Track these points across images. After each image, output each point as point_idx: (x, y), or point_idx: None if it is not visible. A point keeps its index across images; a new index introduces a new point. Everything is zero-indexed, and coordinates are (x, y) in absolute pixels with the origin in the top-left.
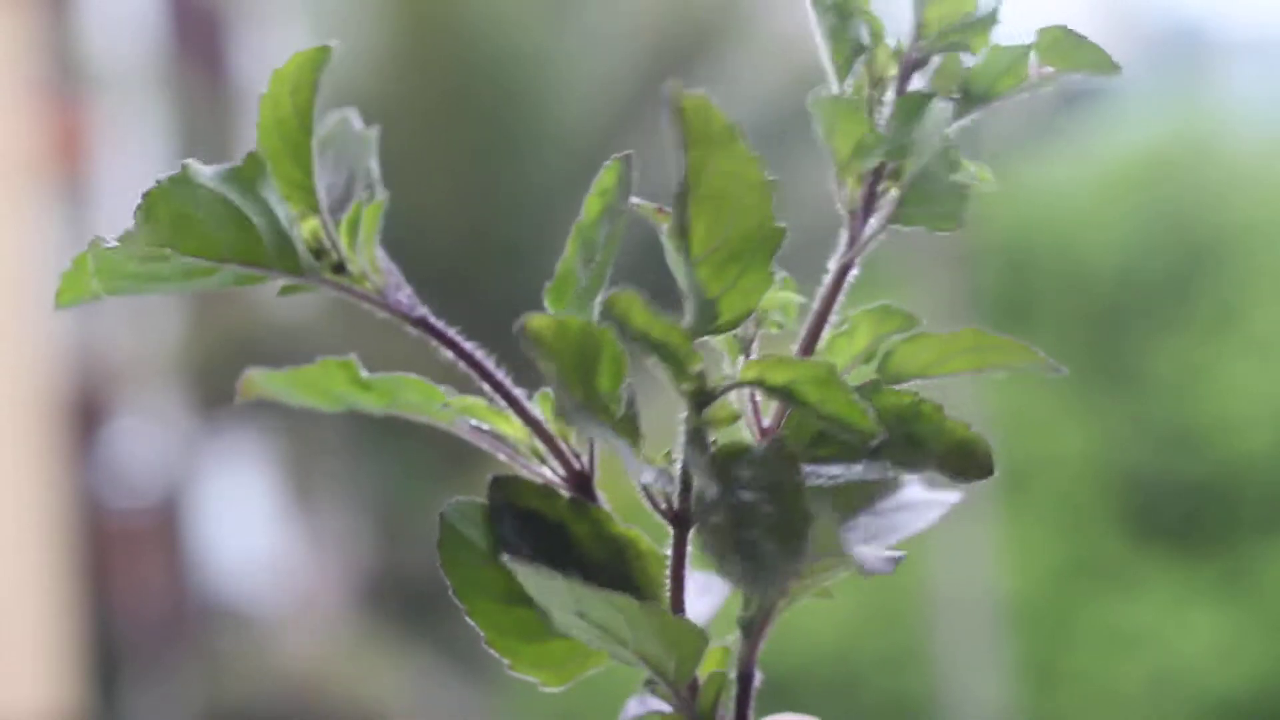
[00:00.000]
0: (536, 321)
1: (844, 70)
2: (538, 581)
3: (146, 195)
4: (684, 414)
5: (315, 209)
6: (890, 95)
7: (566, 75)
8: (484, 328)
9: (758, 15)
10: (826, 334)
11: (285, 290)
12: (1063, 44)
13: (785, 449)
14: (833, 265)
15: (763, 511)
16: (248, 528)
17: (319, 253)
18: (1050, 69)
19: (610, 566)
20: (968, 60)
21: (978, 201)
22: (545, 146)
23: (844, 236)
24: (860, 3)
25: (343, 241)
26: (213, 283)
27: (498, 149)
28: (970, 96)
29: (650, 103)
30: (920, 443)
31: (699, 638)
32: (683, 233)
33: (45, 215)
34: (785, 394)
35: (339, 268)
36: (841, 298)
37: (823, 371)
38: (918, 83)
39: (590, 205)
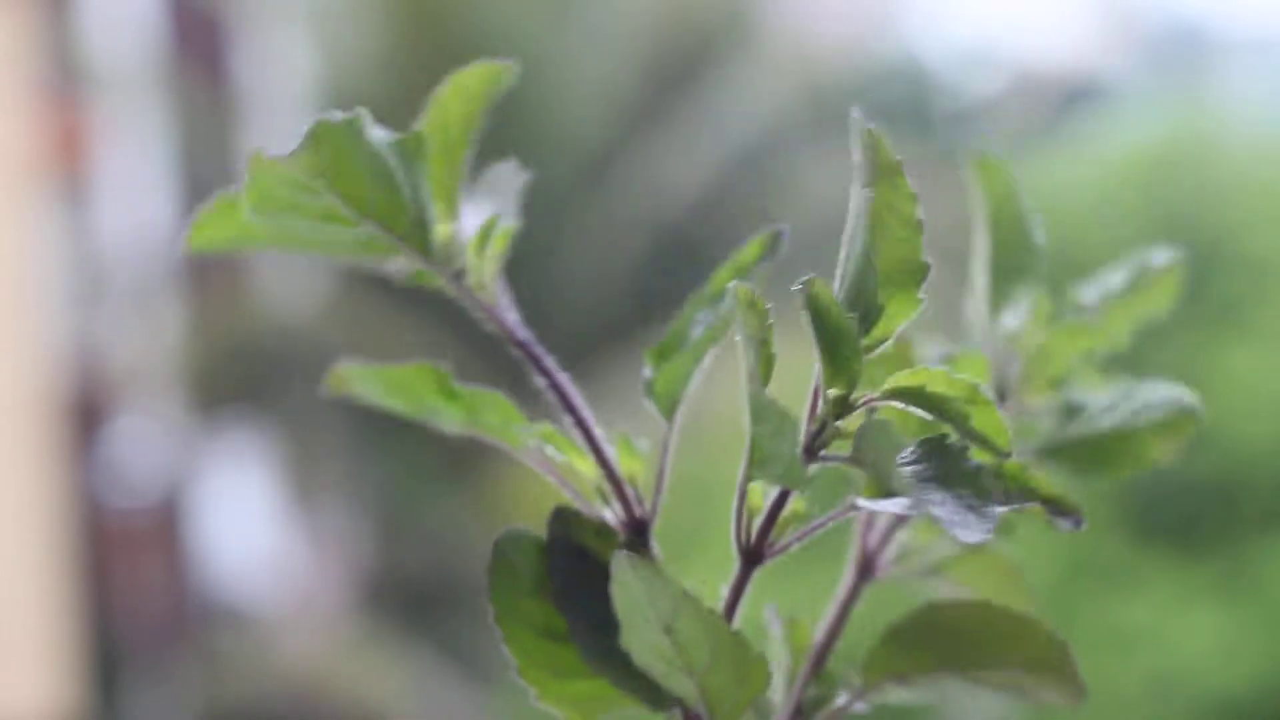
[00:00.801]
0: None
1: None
2: (639, 585)
3: (317, 123)
4: (812, 422)
5: (454, 216)
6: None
7: (566, 76)
8: (481, 329)
9: (759, 16)
10: None
11: (409, 278)
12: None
13: (946, 446)
14: None
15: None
16: (248, 528)
17: (449, 257)
18: None
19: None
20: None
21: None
22: (545, 147)
23: None
24: None
25: (470, 252)
26: (344, 239)
27: (497, 150)
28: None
29: (651, 104)
30: (1030, 486)
31: (766, 675)
32: (854, 253)
33: (45, 215)
34: (939, 405)
35: (460, 274)
36: None
37: (974, 389)
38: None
39: (721, 276)
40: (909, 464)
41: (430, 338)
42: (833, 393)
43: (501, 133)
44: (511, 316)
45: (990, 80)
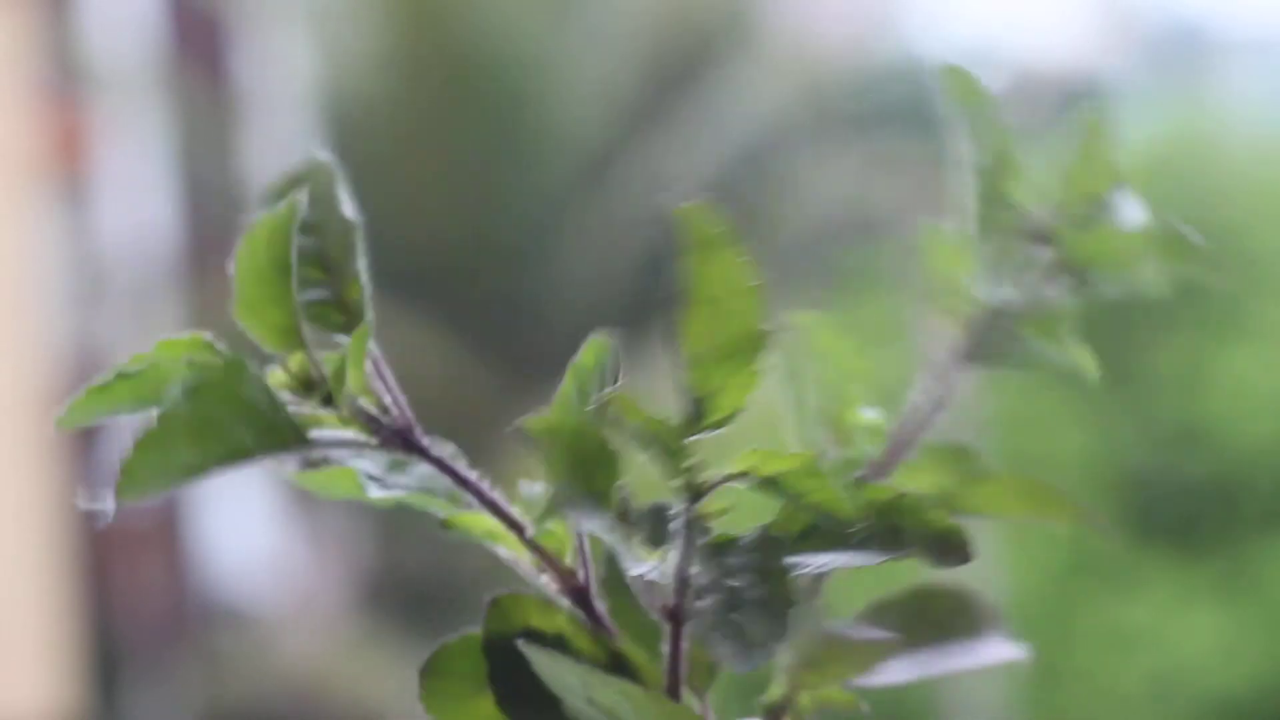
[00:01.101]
0: (534, 421)
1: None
2: (552, 670)
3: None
4: (677, 509)
5: (301, 346)
6: (1012, 248)
7: (567, 76)
8: (482, 329)
9: (759, 16)
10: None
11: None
12: (1175, 244)
13: (771, 537)
14: (921, 401)
15: (749, 595)
16: (248, 528)
17: (308, 387)
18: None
19: (609, 673)
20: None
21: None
22: (545, 148)
23: (932, 373)
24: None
25: (329, 371)
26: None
27: (497, 150)
28: (1073, 269)
29: (652, 105)
30: (902, 532)
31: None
32: (677, 336)
33: (45, 215)
34: (775, 484)
35: (328, 399)
36: (923, 434)
37: (810, 463)
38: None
39: (589, 353)
40: (737, 555)
41: (431, 336)
42: (678, 483)
43: (501, 133)
44: (398, 417)
45: (990, 80)
